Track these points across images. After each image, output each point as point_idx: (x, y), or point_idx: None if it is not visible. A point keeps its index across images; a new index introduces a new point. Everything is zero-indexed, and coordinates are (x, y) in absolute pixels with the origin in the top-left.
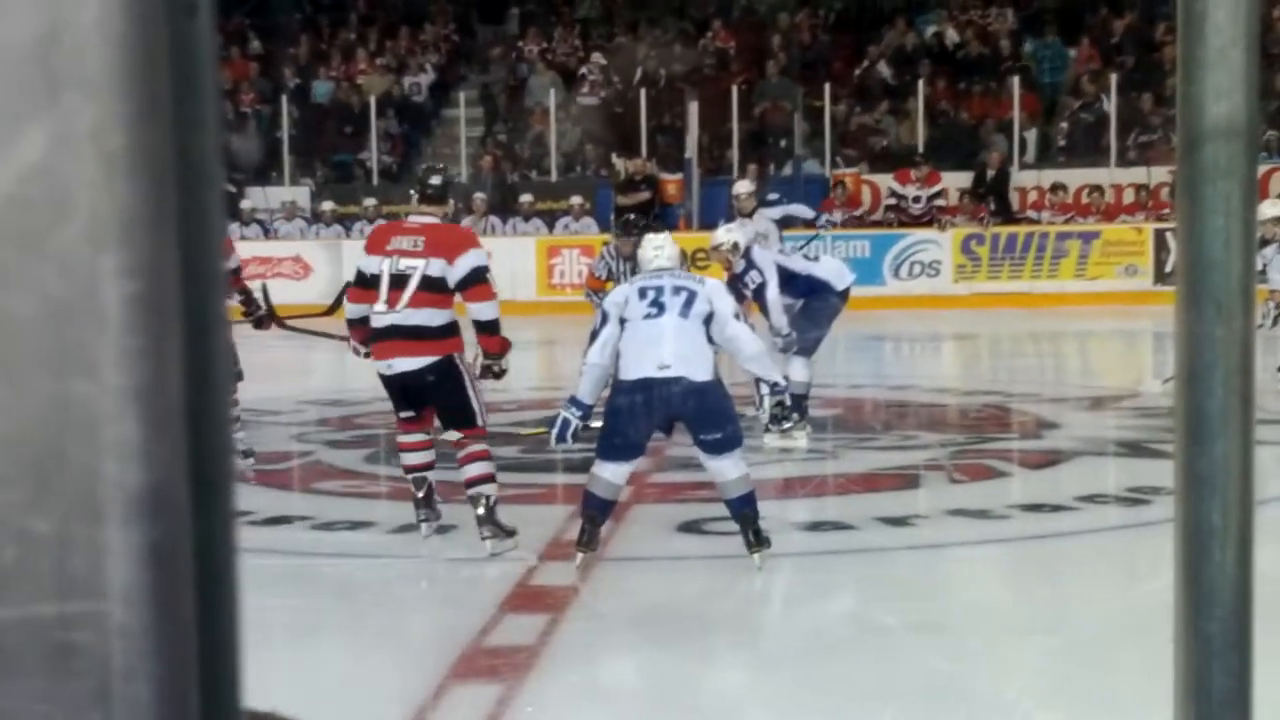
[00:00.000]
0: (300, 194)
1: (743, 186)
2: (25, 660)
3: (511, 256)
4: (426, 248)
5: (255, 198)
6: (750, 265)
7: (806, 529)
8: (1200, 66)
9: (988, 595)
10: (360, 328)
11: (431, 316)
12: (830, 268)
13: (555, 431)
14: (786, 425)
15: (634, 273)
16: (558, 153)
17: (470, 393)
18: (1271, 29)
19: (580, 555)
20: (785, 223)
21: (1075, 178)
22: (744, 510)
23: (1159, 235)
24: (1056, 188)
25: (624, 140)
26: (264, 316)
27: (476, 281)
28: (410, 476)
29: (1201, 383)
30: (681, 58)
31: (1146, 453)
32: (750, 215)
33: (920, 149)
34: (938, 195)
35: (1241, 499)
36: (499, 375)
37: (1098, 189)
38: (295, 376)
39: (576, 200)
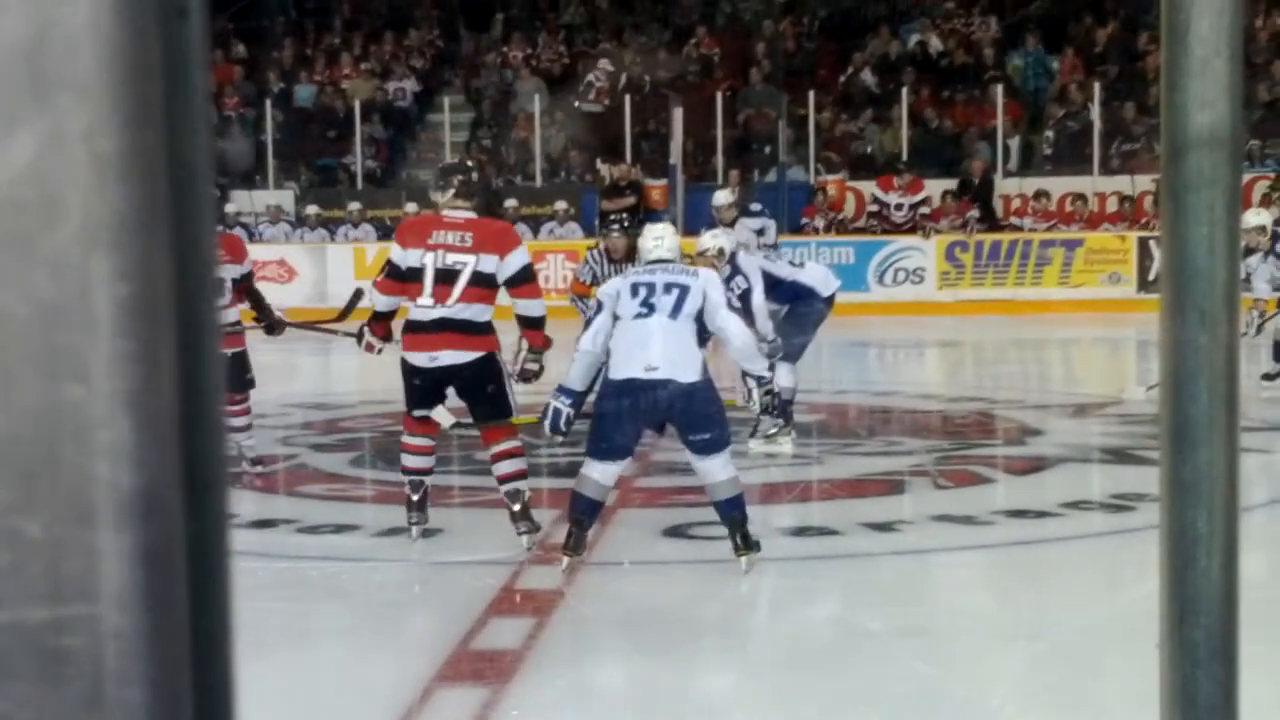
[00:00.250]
0: (285, 198)
1: (722, 197)
2: (17, 665)
3: None
4: (475, 244)
5: (240, 201)
6: (735, 271)
7: (791, 534)
8: (1184, 76)
9: (972, 601)
10: (385, 321)
11: (480, 312)
12: (815, 274)
13: (548, 421)
14: (777, 424)
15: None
16: (542, 158)
17: (508, 388)
18: (1254, 38)
19: (566, 559)
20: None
21: (1059, 186)
22: (732, 513)
23: (1142, 243)
24: (1039, 195)
25: (609, 146)
26: (276, 322)
27: (527, 279)
28: (408, 479)
29: (1186, 390)
30: (666, 64)
31: (1130, 459)
32: (731, 225)
33: (904, 156)
34: (921, 203)
35: (1227, 506)
36: (538, 374)
37: (1081, 197)
38: (279, 380)
39: (561, 205)
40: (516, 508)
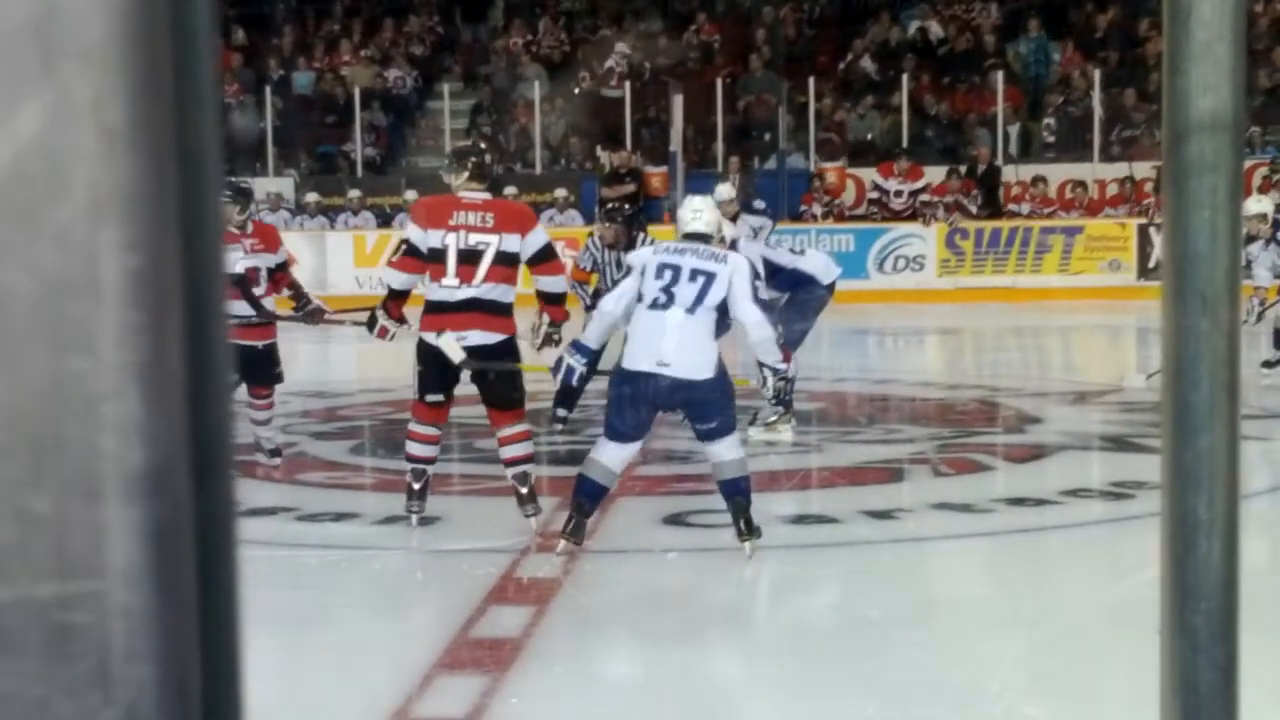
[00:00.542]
0: (284, 185)
1: (724, 192)
2: (24, 641)
3: None
4: (497, 223)
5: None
6: None
7: (791, 522)
8: (1186, 60)
9: (971, 588)
10: (401, 301)
11: (505, 293)
12: (816, 262)
13: (561, 374)
14: (777, 411)
15: (619, 264)
16: (542, 145)
17: (520, 374)
18: (1254, 24)
19: (564, 544)
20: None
21: (1059, 173)
22: (736, 494)
23: (1142, 230)
24: (1036, 181)
25: (609, 133)
26: (314, 310)
27: (549, 256)
28: (412, 466)
29: (1187, 376)
30: (666, 51)
31: (1130, 447)
32: (732, 220)
33: (904, 143)
34: (922, 190)
35: (1228, 492)
36: (558, 343)
37: (1081, 184)
38: None
39: (561, 193)
40: (524, 490)
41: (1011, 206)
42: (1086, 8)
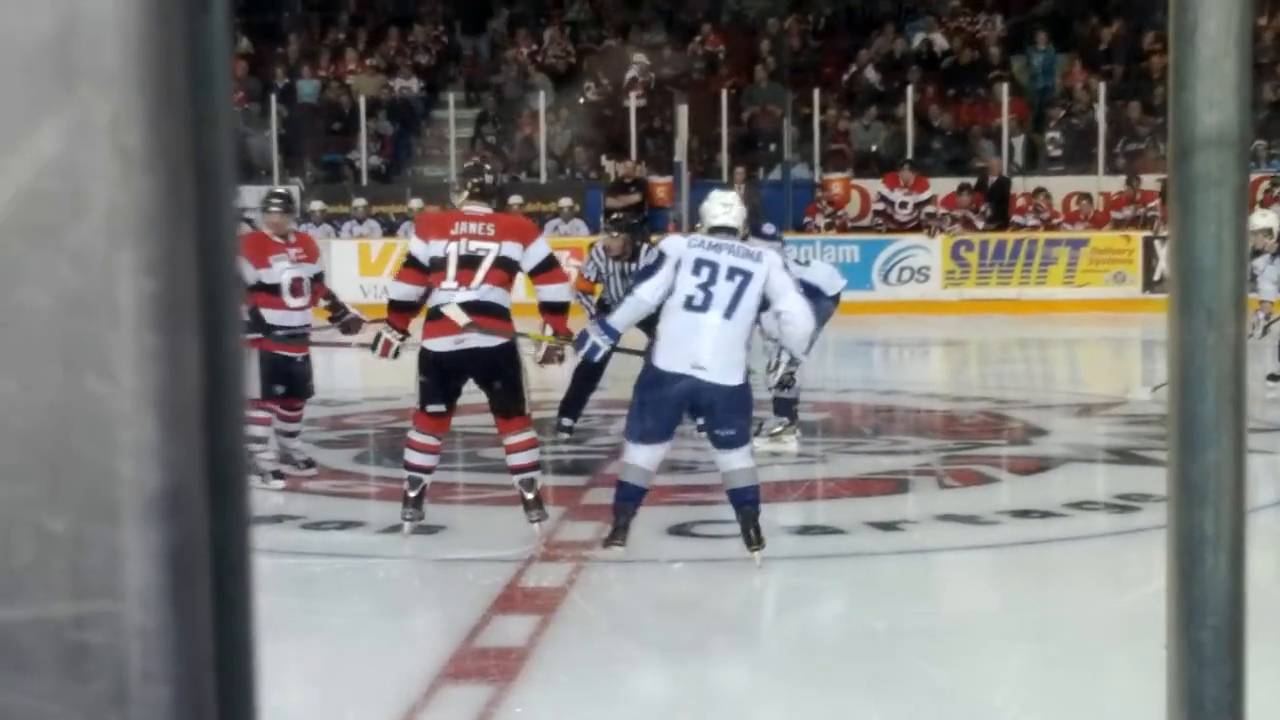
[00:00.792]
0: (290, 193)
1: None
2: (40, 661)
3: None
4: (498, 233)
5: (245, 196)
6: None
7: (796, 533)
8: (1192, 76)
9: (977, 600)
10: (404, 313)
11: (504, 297)
12: (821, 272)
13: (584, 349)
14: (782, 422)
15: (624, 275)
16: (548, 155)
17: (525, 380)
18: (1259, 38)
19: (615, 549)
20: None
21: (1064, 185)
22: (746, 504)
23: (1147, 243)
24: (1038, 192)
25: (614, 143)
26: (353, 320)
27: (552, 265)
28: (409, 474)
29: (1194, 389)
30: (671, 61)
31: (1135, 460)
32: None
33: (909, 154)
34: (927, 201)
35: (1234, 507)
36: (561, 359)
37: (1086, 196)
38: None
39: (566, 202)
40: (530, 496)
41: (1016, 219)
42: (1091, 21)
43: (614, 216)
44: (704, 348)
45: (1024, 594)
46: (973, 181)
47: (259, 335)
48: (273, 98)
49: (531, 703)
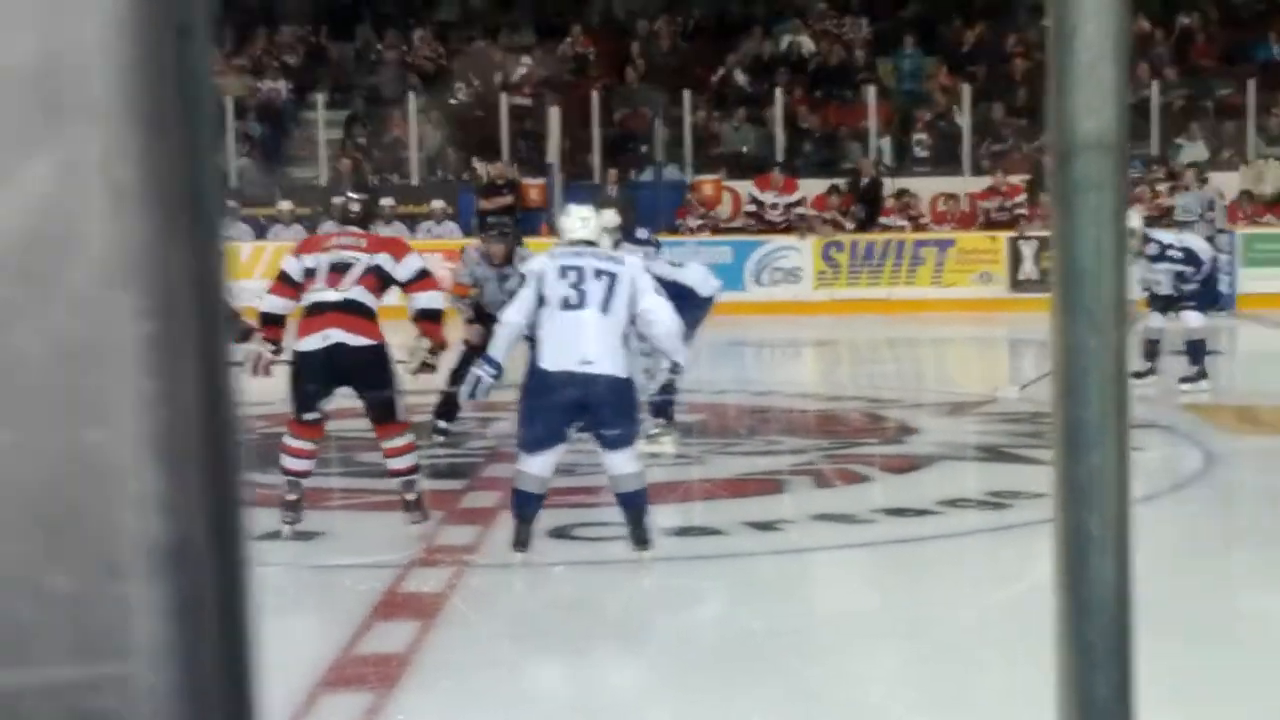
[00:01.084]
0: None
1: (607, 220)
2: None
3: None
4: (370, 246)
5: None
6: None
7: (675, 534)
8: (1071, 81)
9: (852, 599)
10: (274, 326)
11: (374, 301)
12: (695, 274)
13: (468, 388)
14: (659, 424)
15: (501, 279)
16: (419, 157)
17: (398, 386)
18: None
19: (519, 555)
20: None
21: (931, 186)
22: (636, 505)
23: (1013, 243)
24: (902, 193)
25: (484, 144)
26: (245, 329)
27: (425, 275)
28: (286, 479)
29: (1077, 393)
30: (542, 62)
31: (1006, 457)
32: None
33: (778, 156)
34: (797, 203)
35: (1119, 507)
36: (434, 369)
37: (953, 197)
38: None
39: (438, 204)
40: (410, 497)
41: (884, 220)
42: (955, 23)
43: (491, 222)
44: (588, 342)
45: (898, 592)
46: (842, 183)
47: None
48: None
49: (412, 709)
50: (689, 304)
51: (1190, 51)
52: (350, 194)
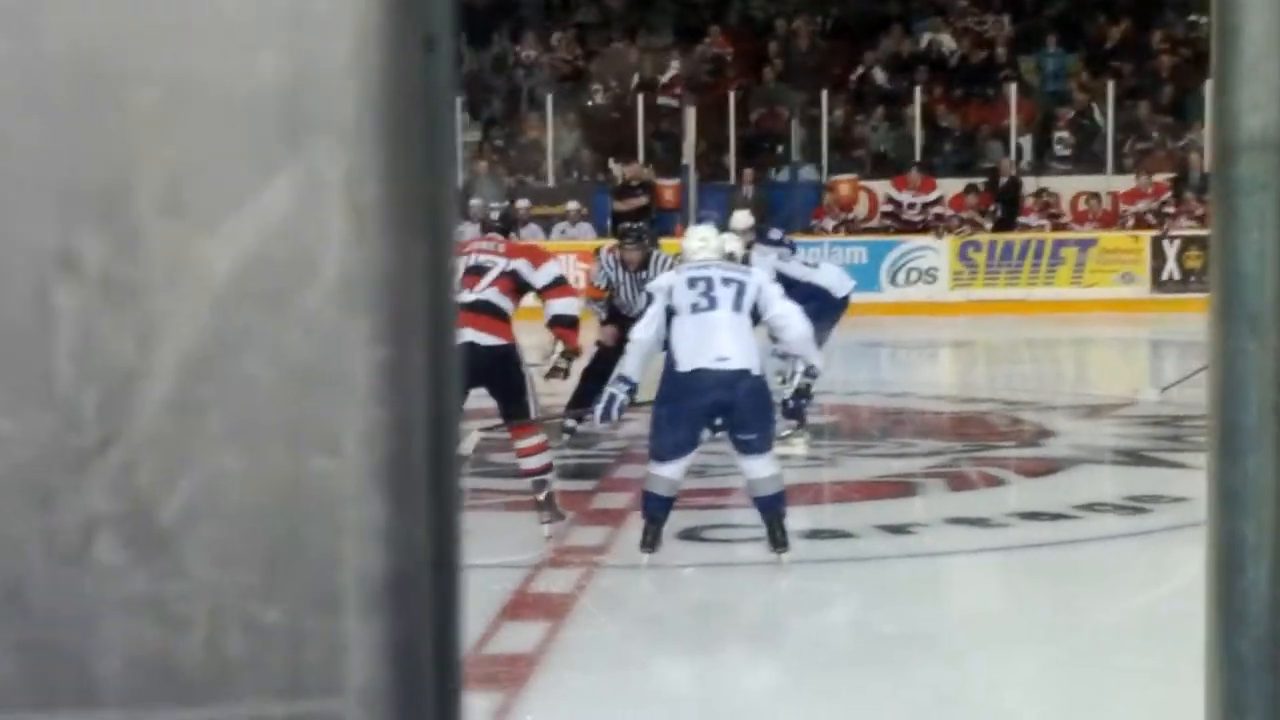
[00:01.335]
0: None
1: (741, 220)
2: None
3: None
4: (508, 252)
5: None
6: None
7: (806, 537)
8: (1235, 78)
9: (986, 604)
10: None
11: (508, 304)
12: (830, 274)
13: (602, 408)
14: (790, 425)
15: (636, 283)
16: (555, 158)
17: (530, 386)
18: None
19: (647, 556)
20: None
21: (1072, 185)
22: (775, 509)
23: (1156, 243)
24: (1041, 192)
25: (621, 146)
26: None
27: (562, 282)
28: None
29: (1235, 398)
30: (679, 63)
31: (1145, 461)
32: (748, 249)
33: (916, 156)
34: (934, 202)
35: (1277, 514)
36: (566, 374)
37: (1095, 196)
38: None
39: (573, 205)
40: (541, 496)
41: (1023, 219)
42: (1099, 20)
43: (626, 228)
44: (722, 339)
45: (1033, 596)
46: (980, 182)
47: None
48: None
49: (541, 709)
50: (823, 305)
51: None
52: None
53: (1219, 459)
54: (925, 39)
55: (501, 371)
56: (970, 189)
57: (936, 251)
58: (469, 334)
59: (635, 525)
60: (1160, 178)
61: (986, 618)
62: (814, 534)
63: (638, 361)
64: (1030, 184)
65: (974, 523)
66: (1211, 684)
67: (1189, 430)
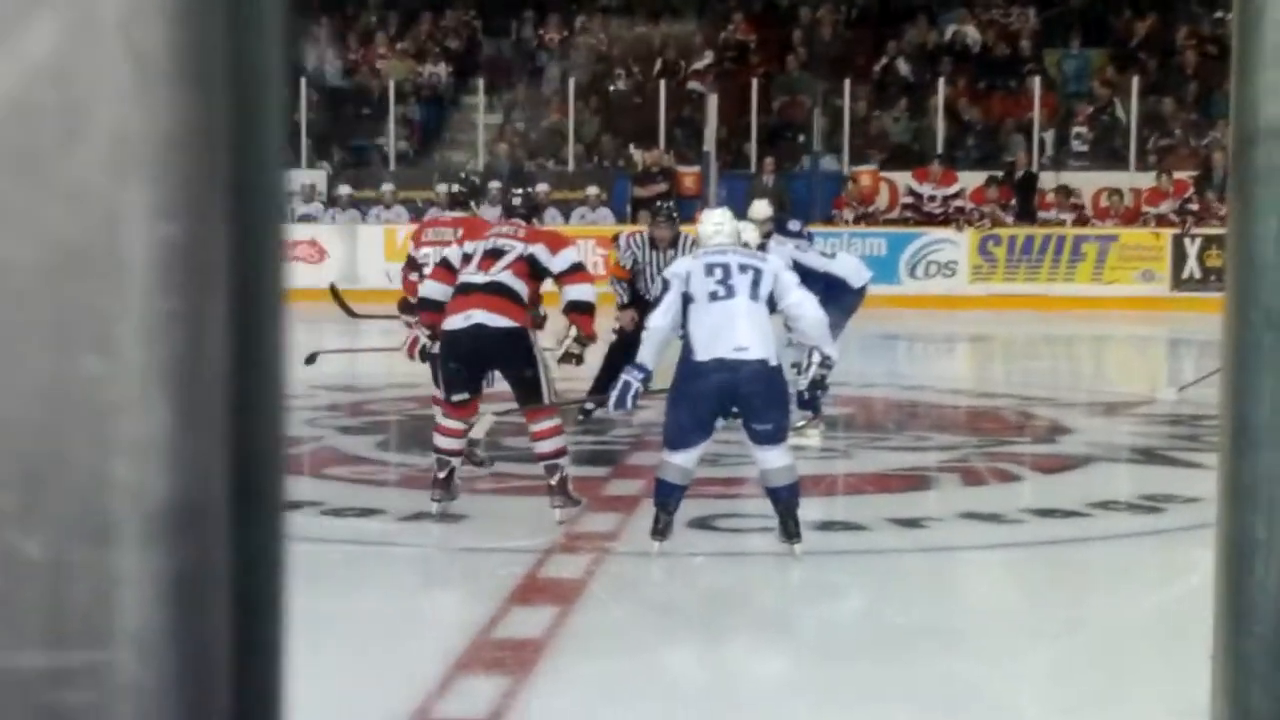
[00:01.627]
0: (318, 177)
1: (760, 210)
2: None
3: None
4: (528, 236)
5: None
6: None
7: (818, 528)
8: (1256, 64)
9: (999, 599)
10: (432, 311)
11: (523, 288)
12: (847, 265)
13: (616, 395)
14: (805, 416)
15: (662, 264)
16: (575, 142)
17: (543, 370)
18: None
19: (657, 544)
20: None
21: (1093, 181)
22: (788, 500)
23: (1177, 240)
24: (1060, 189)
25: (642, 131)
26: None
27: (580, 269)
28: (437, 458)
29: (1249, 391)
30: (701, 50)
31: (1161, 460)
32: (766, 238)
33: (938, 148)
34: (955, 195)
35: None
36: (580, 360)
37: (1116, 192)
38: None
39: (593, 190)
40: (554, 481)
41: (1044, 214)
42: (1124, 15)
43: (660, 205)
44: (740, 329)
45: (1045, 593)
46: (1000, 175)
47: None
48: (302, 81)
49: (548, 694)
50: (840, 295)
51: None
52: (513, 189)
53: (1230, 452)
54: (950, 30)
55: (512, 354)
56: (991, 181)
57: (956, 245)
58: (479, 315)
59: (647, 512)
60: (1182, 175)
61: (998, 613)
62: (826, 525)
63: (654, 350)
64: (1051, 179)
65: (987, 518)
66: (1217, 681)
67: (1206, 430)
